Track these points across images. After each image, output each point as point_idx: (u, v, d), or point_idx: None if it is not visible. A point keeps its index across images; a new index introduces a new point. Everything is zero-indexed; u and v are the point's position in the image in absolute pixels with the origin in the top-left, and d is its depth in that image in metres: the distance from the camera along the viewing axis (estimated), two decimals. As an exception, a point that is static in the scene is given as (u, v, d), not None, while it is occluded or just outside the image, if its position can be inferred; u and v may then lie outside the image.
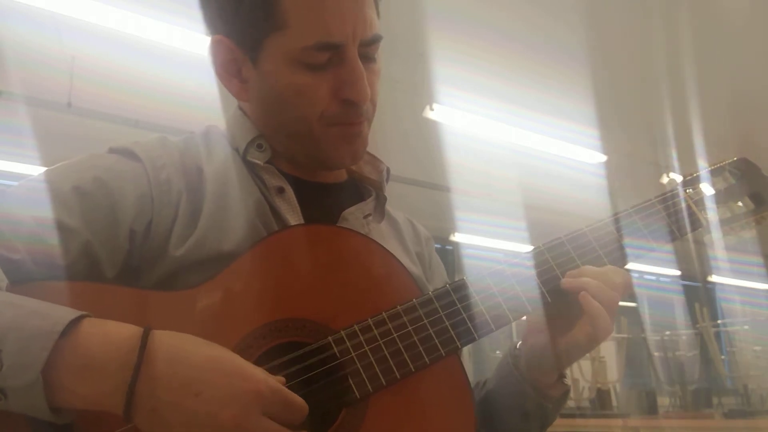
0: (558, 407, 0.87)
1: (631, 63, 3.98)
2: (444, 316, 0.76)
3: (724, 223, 0.93)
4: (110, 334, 0.62)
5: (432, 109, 3.99)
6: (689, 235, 0.91)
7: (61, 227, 0.72)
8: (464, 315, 0.77)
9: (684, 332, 4.91)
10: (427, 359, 0.73)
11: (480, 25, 3.43)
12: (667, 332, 4.93)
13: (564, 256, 0.83)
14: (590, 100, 4.07)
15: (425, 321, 0.75)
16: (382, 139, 1.04)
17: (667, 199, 0.90)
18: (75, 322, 0.61)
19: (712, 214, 0.92)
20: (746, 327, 4.66)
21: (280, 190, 0.83)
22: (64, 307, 0.63)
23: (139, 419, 0.60)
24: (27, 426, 0.62)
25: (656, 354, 4.74)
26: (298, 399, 0.64)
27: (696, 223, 0.90)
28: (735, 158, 0.96)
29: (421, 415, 0.73)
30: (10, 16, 3.00)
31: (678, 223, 0.89)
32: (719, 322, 4.99)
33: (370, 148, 0.90)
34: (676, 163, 5.00)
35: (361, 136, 0.85)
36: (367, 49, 0.80)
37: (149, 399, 0.59)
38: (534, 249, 0.84)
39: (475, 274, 0.80)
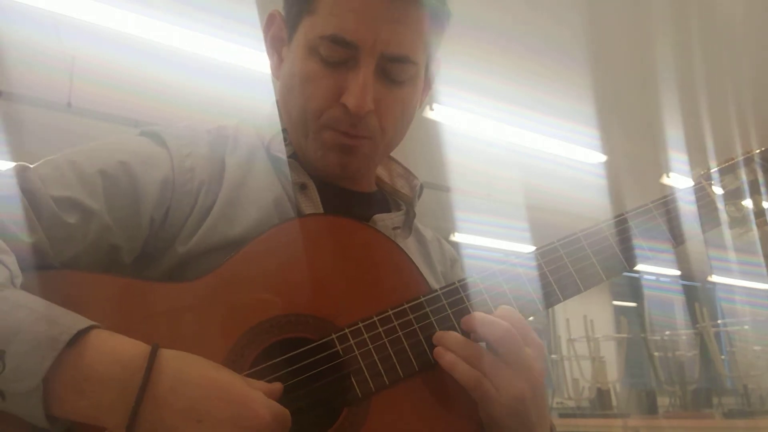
0: None
1: (630, 63, 3.98)
2: (452, 314, 0.74)
3: (748, 219, 0.88)
4: (117, 350, 0.60)
5: (432, 109, 3.99)
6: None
7: (82, 209, 0.71)
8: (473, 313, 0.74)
9: (684, 332, 4.91)
10: (431, 358, 0.72)
11: (480, 26, 3.43)
12: (667, 332, 4.93)
13: (579, 252, 0.81)
14: (590, 100, 4.07)
15: (432, 319, 0.73)
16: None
17: (688, 194, 0.86)
18: (83, 333, 0.60)
19: (735, 209, 0.88)
20: (746, 327, 4.66)
21: (303, 187, 0.82)
22: (74, 315, 0.61)
23: None
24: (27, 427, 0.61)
25: (656, 354, 4.74)
26: (289, 419, 0.63)
27: (716, 220, 0.85)
28: (764, 148, 0.90)
29: (424, 416, 0.72)
30: (10, 16, 3.00)
31: (700, 220, 0.84)
32: (719, 322, 4.99)
33: None
34: (675, 164, 5.00)
35: (358, 152, 0.81)
36: (390, 66, 0.77)
37: (151, 422, 0.58)
38: (548, 245, 0.81)
39: (484, 272, 0.78)
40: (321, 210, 0.81)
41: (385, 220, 0.85)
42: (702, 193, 0.86)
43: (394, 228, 0.86)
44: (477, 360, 0.70)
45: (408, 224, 0.89)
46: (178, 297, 0.70)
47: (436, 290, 0.76)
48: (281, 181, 0.82)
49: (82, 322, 0.61)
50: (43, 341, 0.58)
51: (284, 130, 0.84)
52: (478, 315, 0.73)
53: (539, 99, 4.10)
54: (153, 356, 0.60)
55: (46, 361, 0.57)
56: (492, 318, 0.71)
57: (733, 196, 0.89)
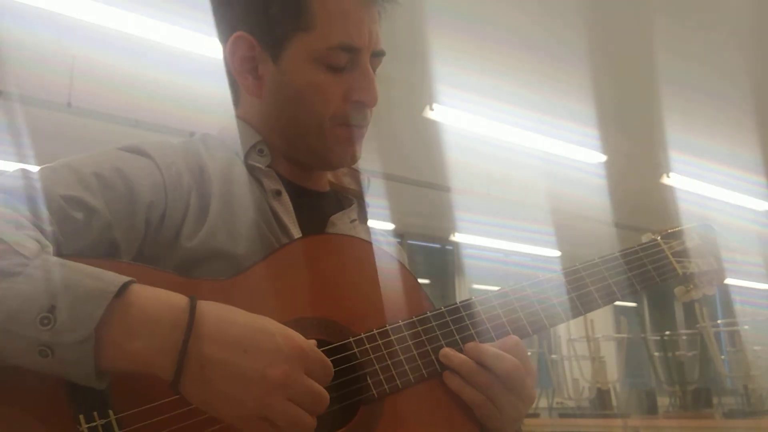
0: None
1: (631, 63, 3.98)
2: (455, 329, 0.84)
3: (693, 276, 1.04)
4: (162, 297, 0.65)
5: (432, 109, 3.99)
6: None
7: (86, 207, 0.74)
8: (472, 331, 0.84)
9: (684, 332, 4.90)
10: (438, 367, 0.81)
11: (480, 25, 3.43)
12: (667, 332, 4.93)
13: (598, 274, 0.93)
14: (590, 100, 4.07)
15: (438, 332, 0.83)
16: (383, 139, 1.06)
17: (647, 248, 1.00)
18: (127, 285, 0.64)
19: (683, 267, 1.03)
20: (746, 327, 4.65)
21: (278, 193, 0.88)
22: (113, 273, 0.65)
23: (186, 378, 0.62)
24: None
25: (656, 354, 4.74)
26: (329, 361, 0.68)
27: (671, 273, 1.00)
28: (699, 224, 1.08)
29: (433, 417, 0.80)
30: (10, 16, 3.00)
31: (657, 271, 0.99)
32: (719, 322, 4.98)
33: (371, 149, 0.96)
34: (675, 164, 5.00)
35: (362, 139, 0.92)
36: (375, 60, 0.89)
37: (199, 357, 0.62)
38: (542, 277, 0.91)
39: (483, 296, 0.88)
40: (292, 212, 0.88)
41: (342, 218, 0.94)
42: (656, 249, 1.01)
43: (352, 221, 0.95)
44: (485, 388, 0.79)
45: (363, 214, 0.99)
46: (211, 292, 0.73)
47: (441, 308, 0.85)
48: (258, 190, 0.87)
49: (124, 277, 0.64)
50: (91, 293, 0.61)
51: (260, 142, 0.90)
52: (489, 349, 0.81)
53: (539, 99, 4.10)
54: (194, 301, 0.64)
55: (98, 310, 0.61)
56: (501, 353, 0.80)
57: (680, 255, 1.03)
